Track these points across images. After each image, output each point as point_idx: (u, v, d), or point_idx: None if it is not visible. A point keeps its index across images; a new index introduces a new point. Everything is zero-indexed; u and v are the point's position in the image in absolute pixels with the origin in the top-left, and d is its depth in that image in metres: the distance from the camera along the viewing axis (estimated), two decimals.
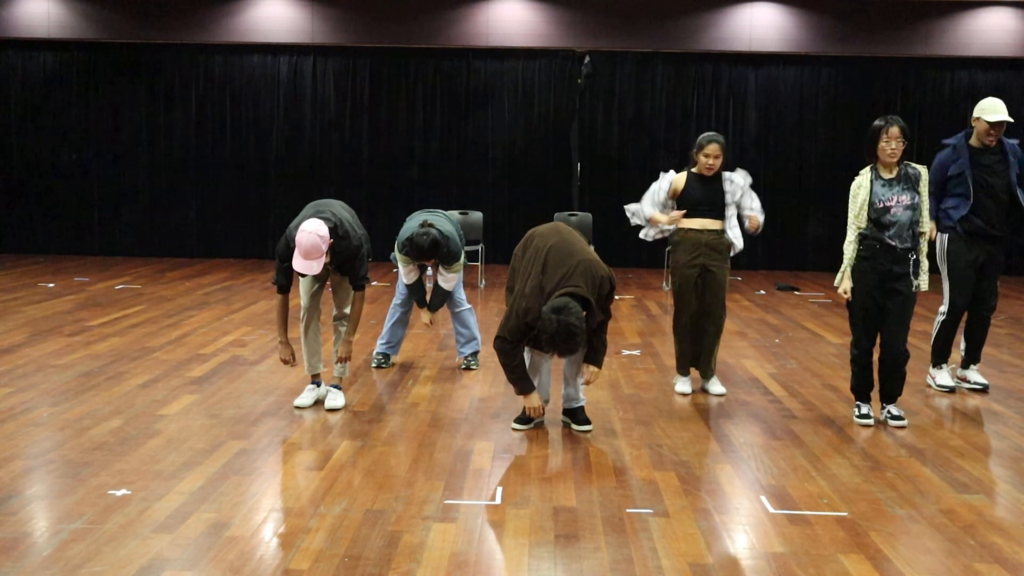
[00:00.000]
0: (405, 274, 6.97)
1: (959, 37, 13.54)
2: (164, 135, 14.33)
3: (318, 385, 6.13)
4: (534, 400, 5.53)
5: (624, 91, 14.20)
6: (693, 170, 6.37)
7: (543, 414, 5.67)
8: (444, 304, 7.02)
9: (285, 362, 5.99)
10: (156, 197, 14.37)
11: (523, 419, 5.64)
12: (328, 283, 6.16)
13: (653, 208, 6.41)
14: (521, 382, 5.49)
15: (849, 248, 5.70)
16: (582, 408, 5.68)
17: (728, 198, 6.37)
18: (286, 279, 5.79)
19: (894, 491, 4.67)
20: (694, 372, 6.67)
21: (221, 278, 11.99)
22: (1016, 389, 6.75)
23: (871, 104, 14.04)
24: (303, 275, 5.83)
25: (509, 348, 5.38)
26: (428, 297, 7.04)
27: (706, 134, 6.40)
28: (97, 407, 5.88)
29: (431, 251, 6.55)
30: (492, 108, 14.22)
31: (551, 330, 5.04)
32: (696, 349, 6.53)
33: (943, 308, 6.61)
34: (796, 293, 11.70)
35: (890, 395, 5.88)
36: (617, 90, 14.18)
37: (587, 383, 5.54)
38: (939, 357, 6.72)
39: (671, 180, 6.38)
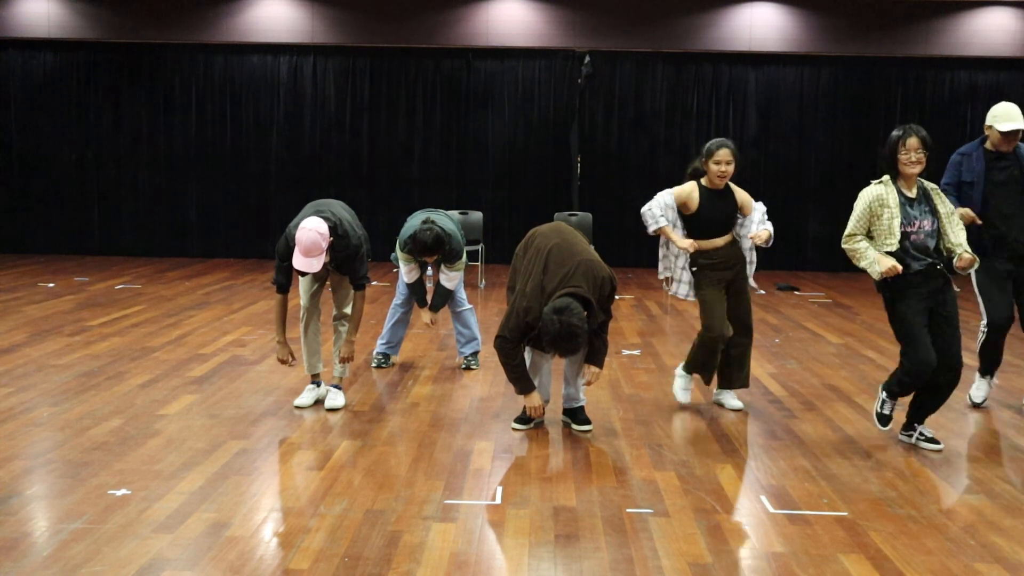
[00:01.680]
0: (406, 273, 6.97)
1: (959, 37, 13.53)
2: (164, 135, 14.33)
3: (318, 385, 6.13)
4: (534, 400, 5.53)
5: (624, 91, 14.20)
6: (703, 182, 5.84)
7: (543, 414, 5.66)
8: (446, 304, 7.02)
9: (283, 362, 5.99)
10: (156, 197, 14.37)
11: (523, 419, 5.64)
12: (328, 283, 6.16)
13: (667, 220, 5.80)
14: (521, 381, 5.49)
15: (865, 245, 5.13)
16: (582, 408, 5.68)
17: (739, 228, 5.94)
18: (286, 279, 5.79)
19: (894, 491, 4.67)
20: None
21: (221, 278, 11.99)
22: (1016, 389, 6.74)
23: (871, 104, 14.07)
24: (303, 274, 5.82)
25: (509, 347, 5.38)
26: (429, 297, 7.04)
27: (715, 140, 5.86)
28: (97, 407, 5.87)
29: (435, 247, 6.55)
30: (492, 108, 14.22)
31: (553, 331, 5.04)
32: (724, 362, 6.03)
33: (982, 325, 6.07)
34: (796, 293, 11.70)
35: (927, 415, 5.44)
36: (617, 90, 14.18)
37: (588, 384, 5.54)
38: (986, 369, 6.25)
39: (675, 194, 5.82)
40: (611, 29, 13.53)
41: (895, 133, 5.15)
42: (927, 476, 4.92)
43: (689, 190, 5.83)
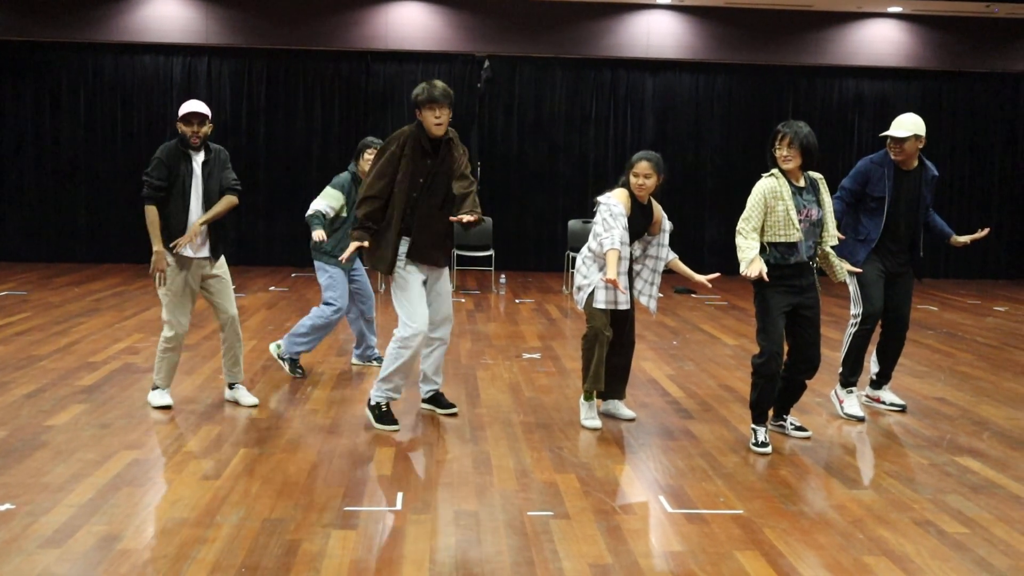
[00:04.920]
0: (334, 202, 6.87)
1: (846, 47, 14.00)
2: (51, 136, 13.87)
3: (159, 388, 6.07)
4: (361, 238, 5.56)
5: (523, 96, 14.28)
6: (632, 190, 5.70)
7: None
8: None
9: (160, 271, 5.74)
10: (43, 200, 13.89)
11: (384, 418, 5.68)
12: (204, 293, 6.02)
13: (623, 243, 5.58)
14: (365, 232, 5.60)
15: (751, 243, 5.27)
16: (442, 393, 5.99)
17: (657, 249, 5.87)
18: (153, 187, 5.88)
19: (787, 488, 4.79)
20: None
21: (112, 284, 11.65)
22: (899, 388, 6.97)
23: (764, 111, 14.42)
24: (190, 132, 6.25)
25: (373, 205, 5.61)
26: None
27: (639, 152, 5.74)
28: None
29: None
30: (391, 111, 14.14)
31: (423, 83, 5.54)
32: (610, 372, 5.84)
33: (854, 317, 6.17)
34: (693, 296, 11.91)
35: (791, 406, 5.74)
36: (516, 94, 14.25)
37: (472, 220, 5.44)
38: (850, 374, 6.23)
39: (621, 203, 5.61)
40: (511, 34, 13.60)
41: (776, 128, 5.38)
42: (818, 473, 5.06)
43: (625, 197, 5.67)
